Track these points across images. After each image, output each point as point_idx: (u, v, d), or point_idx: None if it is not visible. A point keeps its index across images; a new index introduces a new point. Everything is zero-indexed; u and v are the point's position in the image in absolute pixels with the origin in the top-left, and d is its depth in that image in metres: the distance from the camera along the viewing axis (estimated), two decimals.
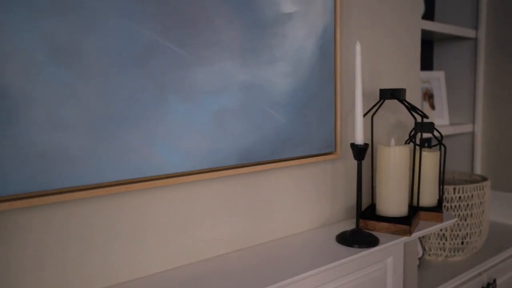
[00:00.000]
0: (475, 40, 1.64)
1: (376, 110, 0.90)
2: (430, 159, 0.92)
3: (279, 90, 0.76)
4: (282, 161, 0.79)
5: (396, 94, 0.85)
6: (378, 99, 0.98)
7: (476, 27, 1.63)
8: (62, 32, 0.54)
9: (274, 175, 0.81)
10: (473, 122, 1.67)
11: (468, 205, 1.29)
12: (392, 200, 0.84)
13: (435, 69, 1.77)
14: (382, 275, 0.85)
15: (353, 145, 0.77)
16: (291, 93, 0.78)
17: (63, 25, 0.54)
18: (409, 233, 0.81)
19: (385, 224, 0.83)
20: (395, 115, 1.03)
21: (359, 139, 0.77)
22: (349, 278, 0.79)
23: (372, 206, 0.93)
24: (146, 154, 0.62)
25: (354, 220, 0.93)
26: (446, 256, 1.33)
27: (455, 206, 1.29)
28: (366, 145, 0.77)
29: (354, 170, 0.95)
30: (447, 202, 1.29)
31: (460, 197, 1.29)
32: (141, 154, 0.62)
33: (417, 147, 0.89)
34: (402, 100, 0.86)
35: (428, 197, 0.93)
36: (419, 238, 1.31)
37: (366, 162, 0.98)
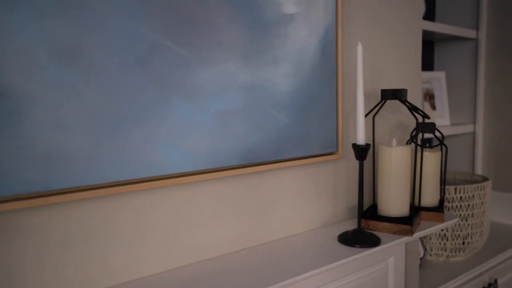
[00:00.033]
0: (476, 40, 1.65)
1: (378, 111, 0.90)
2: (431, 159, 0.92)
3: (281, 90, 0.77)
4: (284, 161, 0.79)
5: (397, 94, 0.85)
6: (379, 99, 0.98)
7: (476, 28, 1.64)
8: (64, 32, 0.55)
9: (276, 175, 0.81)
10: (474, 123, 1.67)
11: (469, 205, 1.29)
12: (393, 200, 0.84)
13: (436, 70, 1.77)
14: (384, 275, 0.85)
15: (354, 146, 0.77)
16: (293, 94, 0.78)
17: (65, 25, 0.55)
18: (411, 233, 0.81)
19: (386, 224, 0.83)
20: (396, 116, 1.03)
21: (361, 140, 0.77)
22: (351, 278, 0.79)
23: (374, 206, 0.93)
24: (148, 154, 0.63)
25: (356, 220, 0.94)
26: (447, 256, 1.33)
27: (456, 206, 1.29)
28: (367, 145, 0.77)
29: (355, 170, 0.95)
30: (448, 202, 1.29)
31: (461, 197, 1.29)
32: (143, 154, 0.62)
33: (419, 148, 0.89)
34: (404, 101, 0.86)
35: (429, 197, 0.93)
36: (420, 238, 1.31)
37: (367, 163, 0.98)
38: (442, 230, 1.30)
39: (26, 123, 0.53)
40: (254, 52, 0.72)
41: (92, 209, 0.61)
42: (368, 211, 0.89)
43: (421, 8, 1.07)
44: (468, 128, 1.65)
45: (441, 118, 1.64)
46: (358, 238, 0.78)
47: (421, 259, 1.30)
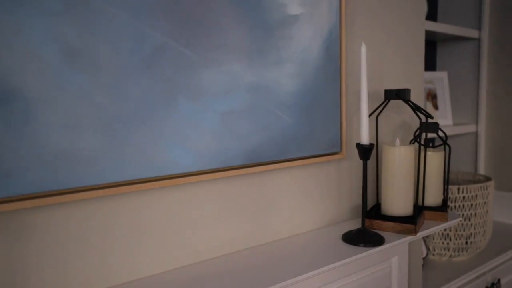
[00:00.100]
0: (478, 40, 1.65)
1: (381, 111, 0.91)
2: (434, 159, 0.93)
3: (286, 91, 0.77)
4: (288, 161, 0.79)
5: (401, 94, 0.86)
6: (382, 99, 0.99)
7: (479, 28, 1.64)
8: (73, 34, 0.55)
9: (279, 175, 0.81)
10: (477, 122, 1.68)
11: (472, 205, 1.29)
12: (397, 199, 0.85)
13: (438, 70, 1.78)
14: (387, 274, 0.85)
15: (358, 145, 0.78)
16: (297, 94, 0.79)
17: (74, 27, 0.55)
18: (415, 232, 0.81)
19: (390, 224, 0.83)
20: (399, 116, 1.04)
21: (365, 139, 0.77)
22: (355, 277, 0.80)
23: (377, 205, 0.93)
24: (153, 154, 0.63)
25: (359, 219, 0.94)
26: (450, 256, 1.34)
27: (459, 206, 1.29)
28: (371, 145, 0.77)
29: (359, 170, 0.96)
30: (451, 202, 1.30)
31: (464, 197, 1.29)
32: (148, 154, 0.63)
33: (422, 147, 0.90)
34: (407, 101, 0.86)
35: (432, 197, 0.94)
36: (423, 238, 1.31)
37: (371, 162, 0.99)
38: (445, 230, 1.31)
39: (35, 124, 0.53)
40: (259, 52, 0.73)
41: (91, 209, 0.60)
42: (372, 211, 0.89)
43: (424, 9, 1.07)
44: (471, 128, 1.65)
45: (444, 118, 1.65)
46: (362, 237, 0.78)
47: (424, 258, 1.31)
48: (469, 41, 1.67)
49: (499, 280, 1.33)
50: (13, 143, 0.52)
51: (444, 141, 0.94)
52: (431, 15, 1.72)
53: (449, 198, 1.30)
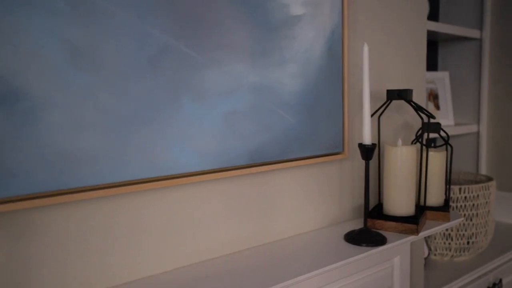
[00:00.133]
0: (480, 40, 1.65)
1: (383, 111, 0.91)
2: (436, 159, 0.93)
3: (288, 91, 0.77)
4: (291, 161, 0.80)
5: (403, 94, 0.86)
6: (384, 99, 0.99)
7: (480, 28, 1.64)
8: (79, 35, 0.55)
9: (282, 175, 0.81)
10: (478, 123, 1.68)
11: (473, 205, 1.29)
12: (399, 199, 0.85)
13: (439, 70, 1.78)
14: (389, 274, 0.85)
15: (361, 145, 0.78)
16: (299, 94, 0.79)
17: (80, 28, 0.55)
18: (417, 232, 0.82)
19: (392, 223, 0.84)
20: (401, 116, 1.04)
21: (367, 139, 0.78)
22: (357, 277, 0.80)
23: (379, 205, 0.93)
24: (156, 154, 0.63)
25: (361, 219, 0.94)
26: (452, 256, 1.34)
27: (461, 206, 1.30)
28: (373, 145, 0.77)
29: (361, 170, 0.96)
30: (453, 202, 1.30)
31: (465, 197, 1.29)
32: (151, 154, 0.63)
33: (424, 147, 0.90)
34: (409, 101, 0.86)
35: (434, 197, 0.94)
36: (425, 238, 1.31)
37: (373, 162, 0.99)
38: (446, 230, 1.31)
39: (38, 124, 0.53)
40: (262, 53, 0.73)
41: (91, 209, 0.60)
42: (374, 211, 0.90)
43: (425, 9, 1.08)
44: (472, 128, 1.65)
45: (445, 118, 1.65)
46: (364, 237, 0.79)
47: (425, 259, 1.31)
48: (471, 41, 1.68)
49: (500, 280, 1.33)
50: (16, 143, 0.52)
51: (446, 141, 0.94)
52: (433, 15, 1.72)
53: (451, 198, 1.30)
